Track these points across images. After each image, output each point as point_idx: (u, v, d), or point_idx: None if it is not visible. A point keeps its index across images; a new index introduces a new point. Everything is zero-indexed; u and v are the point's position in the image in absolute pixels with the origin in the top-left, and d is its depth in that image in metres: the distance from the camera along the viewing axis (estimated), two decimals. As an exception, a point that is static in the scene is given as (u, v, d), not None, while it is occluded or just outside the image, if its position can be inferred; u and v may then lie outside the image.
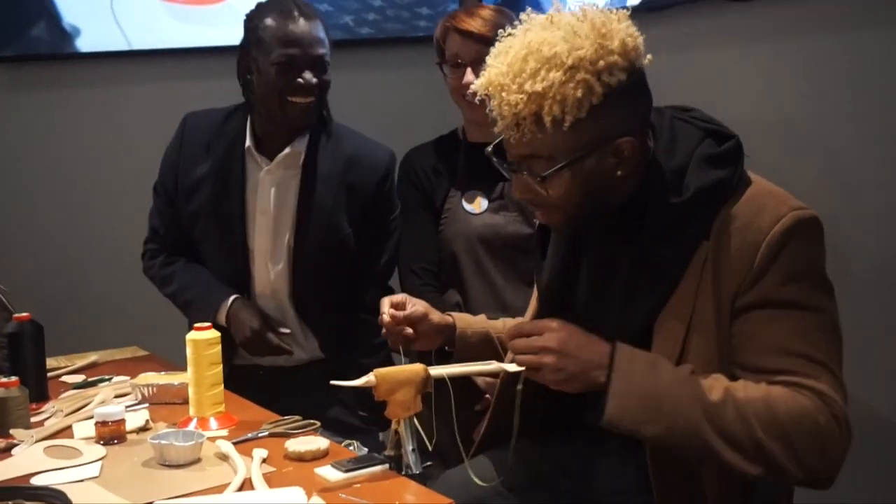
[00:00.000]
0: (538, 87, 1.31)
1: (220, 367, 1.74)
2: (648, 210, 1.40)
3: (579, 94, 1.32)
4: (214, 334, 1.73)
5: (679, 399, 1.32)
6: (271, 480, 1.44)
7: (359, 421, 2.22)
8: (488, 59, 1.41)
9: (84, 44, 2.86)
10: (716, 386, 1.33)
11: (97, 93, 2.90)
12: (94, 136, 2.87)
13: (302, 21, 2.09)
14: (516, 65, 1.34)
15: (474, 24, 2.21)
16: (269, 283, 2.22)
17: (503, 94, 1.35)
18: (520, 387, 1.46)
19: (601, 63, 1.32)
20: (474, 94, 1.42)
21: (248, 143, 2.17)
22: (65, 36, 2.86)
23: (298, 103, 2.10)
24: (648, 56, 1.39)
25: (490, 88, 1.37)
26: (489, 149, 1.46)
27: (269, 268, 2.21)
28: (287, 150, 2.17)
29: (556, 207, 1.42)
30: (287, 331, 2.19)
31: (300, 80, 2.08)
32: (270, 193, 2.18)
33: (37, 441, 1.64)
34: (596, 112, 1.34)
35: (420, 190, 2.34)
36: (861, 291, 1.98)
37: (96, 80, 2.90)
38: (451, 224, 2.29)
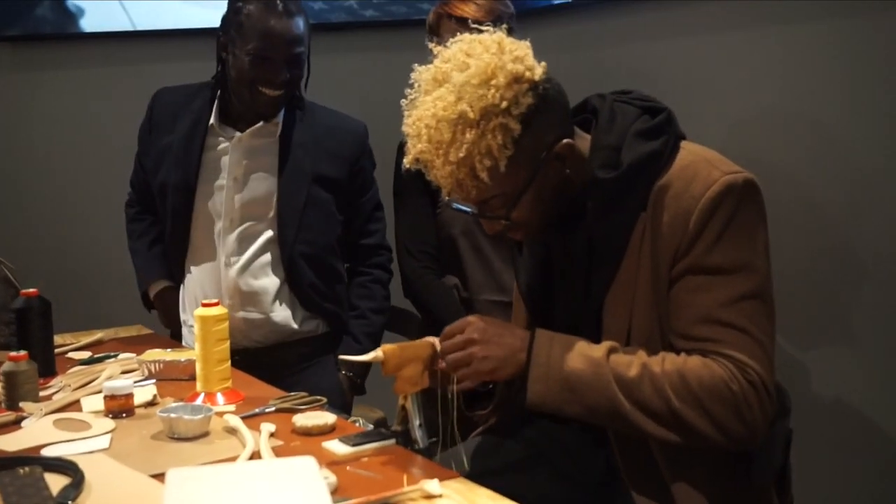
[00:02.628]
0: (461, 153, 1.37)
1: (228, 343, 1.75)
2: (588, 190, 1.44)
3: (499, 138, 1.36)
4: (222, 311, 1.75)
5: (596, 379, 1.38)
6: (279, 453, 1.46)
7: None
8: (406, 130, 1.44)
9: (88, 24, 2.88)
10: (634, 362, 1.38)
11: (101, 73, 2.91)
12: (98, 116, 2.88)
13: (285, 18, 2.08)
14: (434, 138, 1.38)
15: (468, 10, 2.19)
16: (228, 249, 2.19)
17: (434, 170, 1.41)
18: (453, 387, 1.49)
19: (503, 103, 1.36)
20: (407, 170, 1.46)
21: (212, 120, 2.20)
22: (69, 16, 2.87)
23: (268, 94, 2.12)
24: (542, 64, 1.42)
25: (419, 164, 1.43)
26: (446, 198, 1.50)
27: (228, 231, 2.18)
28: (261, 122, 2.19)
29: (527, 225, 1.48)
30: None
31: (273, 74, 2.10)
32: (241, 162, 2.18)
33: (46, 414, 1.65)
34: (522, 141, 1.39)
35: (417, 173, 2.34)
36: (869, 280, 2.00)
37: (100, 59, 2.91)
38: (449, 205, 2.31)
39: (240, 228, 2.19)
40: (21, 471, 1.05)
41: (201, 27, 2.86)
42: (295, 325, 2.24)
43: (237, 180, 2.19)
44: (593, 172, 1.43)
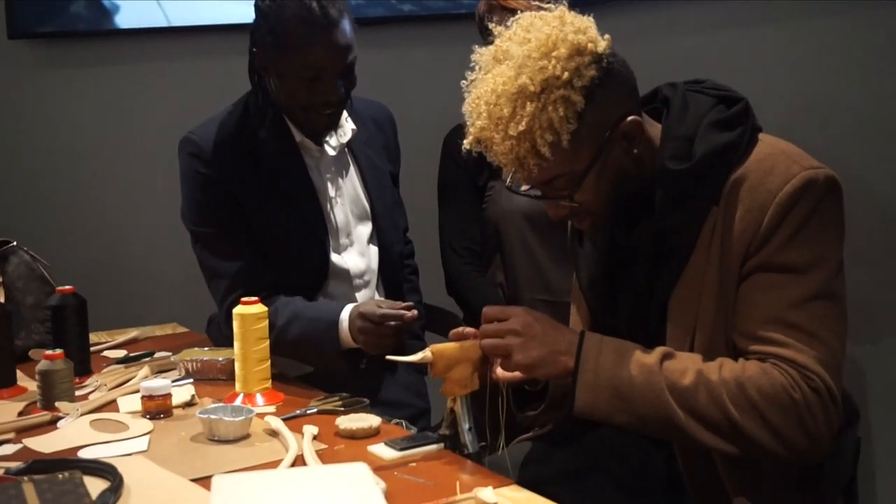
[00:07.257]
0: (522, 126, 1.31)
1: (267, 343, 1.70)
2: (658, 180, 1.37)
3: (561, 111, 1.31)
4: (261, 308, 1.69)
5: (648, 387, 1.30)
6: (323, 457, 1.40)
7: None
8: (465, 110, 1.39)
9: (123, 20, 2.84)
10: (689, 368, 1.31)
11: (136, 69, 2.87)
12: (134, 113, 2.85)
13: (329, 28, 1.78)
14: (494, 114, 1.33)
15: (520, 1, 2.16)
16: (356, 268, 2.01)
17: (494, 146, 1.35)
18: (503, 391, 1.44)
19: (565, 74, 1.30)
20: (469, 151, 1.40)
21: (298, 138, 1.94)
22: (104, 12, 2.83)
23: (325, 114, 1.88)
24: (606, 36, 1.36)
25: (479, 144, 1.38)
26: (509, 182, 1.43)
27: (350, 251, 2.01)
28: (341, 131, 1.99)
29: (593, 212, 1.41)
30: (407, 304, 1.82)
31: (328, 94, 1.83)
32: (336, 177, 2.00)
33: (82, 414, 1.61)
34: (585, 115, 1.33)
35: (462, 168, 2.30)
36: None
37: (135, 56, 2.87)
38: (496, 201, 2.26)
39: (356, 245, 2.01)
40: (60, 476, 0.99)
41: (238, 23, 2.81)
42: None
43: (339, 194, 1.99)
44: (663, 163, 1.36)
